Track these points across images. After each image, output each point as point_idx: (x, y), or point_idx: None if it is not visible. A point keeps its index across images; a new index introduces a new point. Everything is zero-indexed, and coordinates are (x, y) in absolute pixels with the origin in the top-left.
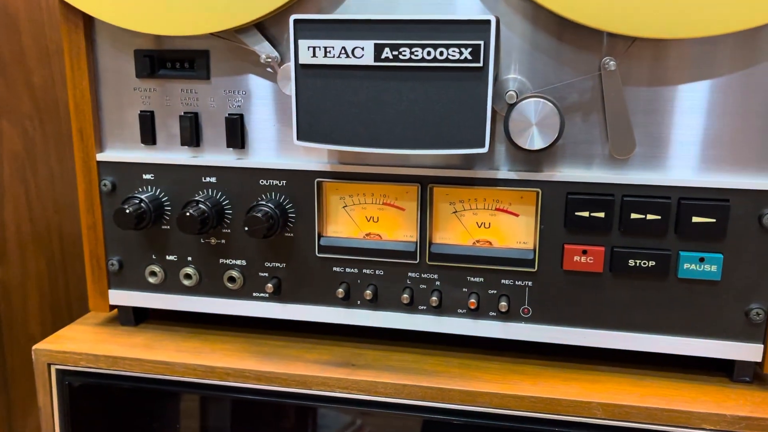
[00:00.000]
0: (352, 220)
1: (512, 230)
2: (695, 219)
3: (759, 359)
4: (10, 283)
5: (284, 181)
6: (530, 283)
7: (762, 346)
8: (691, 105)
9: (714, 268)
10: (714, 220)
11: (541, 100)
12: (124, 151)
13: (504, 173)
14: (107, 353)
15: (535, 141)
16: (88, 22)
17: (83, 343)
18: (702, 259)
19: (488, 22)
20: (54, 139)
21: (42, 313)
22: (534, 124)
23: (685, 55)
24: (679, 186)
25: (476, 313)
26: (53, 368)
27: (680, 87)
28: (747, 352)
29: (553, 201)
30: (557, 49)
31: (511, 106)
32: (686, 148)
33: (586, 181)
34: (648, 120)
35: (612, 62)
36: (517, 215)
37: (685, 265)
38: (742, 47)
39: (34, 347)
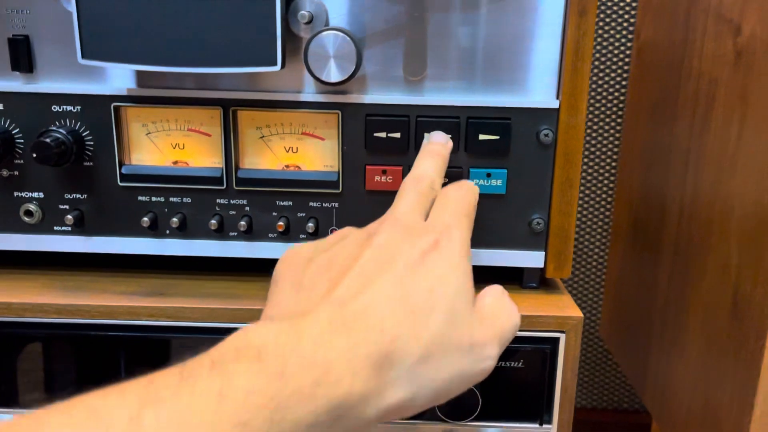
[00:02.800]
0: (157, 148)
1: (319, 155)
2: (482, 137)
3: (542, 265)
4: None
5: (79, 107)
6: (336, 204)
7: (543, 253)
8: (474, 30)
9: (499, 182)
10: (498, 137)
11: (340, 33)
12: None
13: (306, 97)
14: None
15: (332, 73)
16: None
17: None
18: (489, 175)
19: None
20: None
21: None
22: (332, 57)
23: None
24: (466, 106)
25: (286, 237)
26: None
27: (466, 13)
28: (532, 259)
29: (353, 123)
30: None
31: (310, 38)
32: (472, 71)
33: (383, 102)
34: (438, 43)
35: None
36: (323, 139)
37: (475, 181)
38: None
39: None
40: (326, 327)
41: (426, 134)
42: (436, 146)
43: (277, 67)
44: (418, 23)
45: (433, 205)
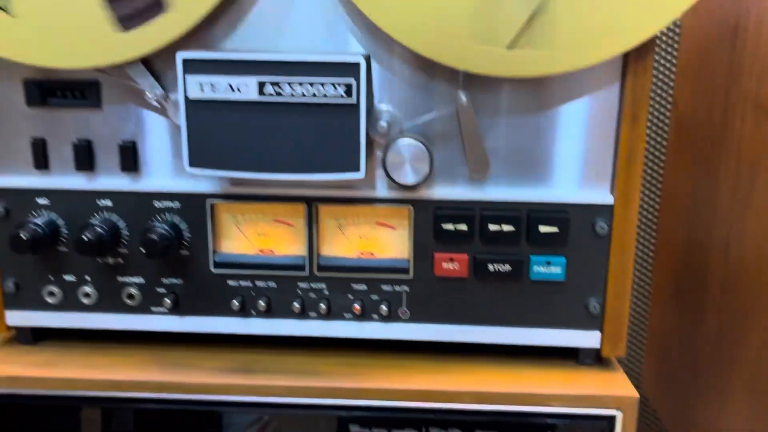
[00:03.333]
0: (245, 236)
1: (391, 243)
2: (542, 229)
3: (598, 345)
4: None
5: (178, 203)
6: (407, 288)
7: (600, 333)
8: (535, 134)
9: (558, 269)
10: (557, 229)
11: (414, 140)
12: (17, 176)
13: (380, 193)
14: (7, 373)
15: (408, 177)
16: None
17: None
18: (548, 263)
19: (358, 64)
20: None
21: None
22: (407, 162)
23: (529, 89)
24: (528, 201)
25: (361, 317)
26: None
27: (528, 118)
28: (588, 339)
29: (423, 216)
30: (422, 82)
31: (387, 146)
32: (533, 169)
33: (450, 198)
34: (501, 145)
35: (464, 96)
36: (394, 228)
37: (535, 268)
38: (577, 82)
39: None
40: None
41: None
42: None
43: (361, 174)
44: (481, 128)
45: None
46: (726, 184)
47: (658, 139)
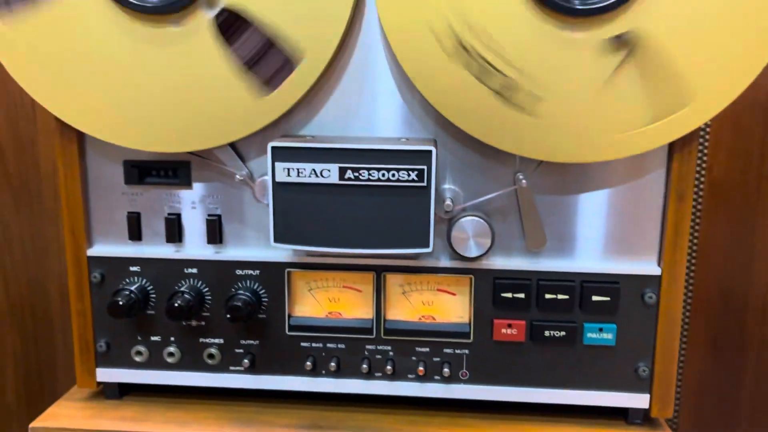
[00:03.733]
0: (317, 301)
1: (451, 307)
2: (594, 298)
3: (647, 406)
4: None
5: (258, 271)
6: (467, 351)
7: (648, 395)
8: (588, 209)
9: (610, 335)
10: (609, 299)
11: (477, 218)
12: (113, 246)
13: (443, 263)
14: (99, 428)
15: (472, 250)
16: (80, 136)
17: (74, 419)
18: (600, 329)
19: (430, 151)
20: (27, 223)
21: (16, 380)
22: (471, 237)
23: (583, 171)
24: (581, 272)
25: (424, 378)
26: None
27: (580, 195)
28: (637, 400)
29: (483, 285)
30: (482, 164)
31: (452, 222)
32: (586, 242)
33: (509, 268)
34: (556, 220)
35: (522, 178)
36: (455, 294)
37: (588, 334)
38: (626, 165)
39: (30, 425)
40: None
41: None
42: None
43: (430, 249)
44: (537, 203)
45: None
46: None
47: (694, 197)
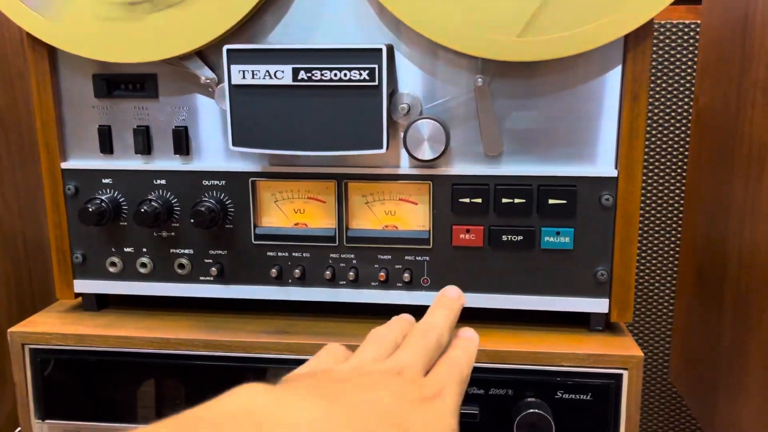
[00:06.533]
0: (282, 212)
1: (413, 217)
2: (551, 201)
3: (606, 311)
4: None
5: (224, 181)
6: (428, 258)
7: (608, 300)
8: (544, 113)
9: (567, 239)
10: (565, 202)
11: (432, 120)
12: (85, 159)
13: (403, 170)
14: (74, 332)
15: (426, 153)
16: (52, 51)
17: (52, 325)
18: (558, 233)
19: (380, 49)
20: (17, 154)
21: (9, 306)
22: (426, 140)
23: (540, 74)
24: (538, 176)
25: (386, 285)
26: (27, 348)
27: (538, 99)
28: (597, 305)
29: (442, 191)
30: (442, 69)
31: (408, 125)
32: (543, 146)
33: (466, 173)
34: (514, 125)
35: (480, 79)
36: (416, 204)
37: (546, 238)
38: (583, 67)
39: (9, 330)
40: None
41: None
42: (449, 300)
43: (383, 150)
44: (495, 109)
45: (436, 363)
46: (739, 172)
47: (685, 137)
